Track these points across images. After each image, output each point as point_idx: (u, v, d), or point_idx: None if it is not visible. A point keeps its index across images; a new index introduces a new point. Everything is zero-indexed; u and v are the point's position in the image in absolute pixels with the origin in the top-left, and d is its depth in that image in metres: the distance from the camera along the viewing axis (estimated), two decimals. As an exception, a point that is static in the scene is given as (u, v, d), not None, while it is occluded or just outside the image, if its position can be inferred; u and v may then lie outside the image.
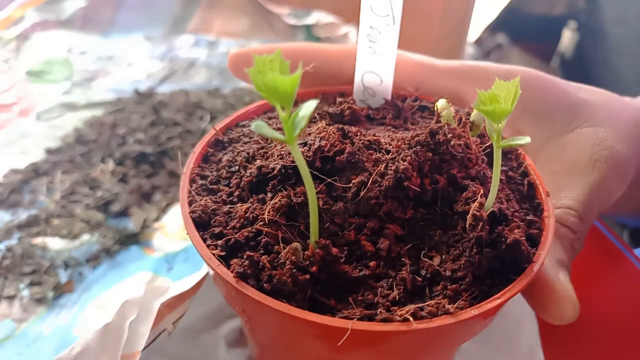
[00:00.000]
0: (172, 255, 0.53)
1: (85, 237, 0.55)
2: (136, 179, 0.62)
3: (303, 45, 0.49)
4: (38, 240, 0.55)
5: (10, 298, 0.49)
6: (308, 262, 0.30)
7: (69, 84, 0.79)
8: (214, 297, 0.49)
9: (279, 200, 0.33)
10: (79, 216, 0.57)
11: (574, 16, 1.00)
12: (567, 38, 1.02)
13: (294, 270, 0.30)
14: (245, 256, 0.31)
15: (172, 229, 0.56)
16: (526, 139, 0.30)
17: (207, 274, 0.46)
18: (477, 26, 1.01)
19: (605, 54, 0.87)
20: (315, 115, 0.41)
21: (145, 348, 0.41)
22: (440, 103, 0.37)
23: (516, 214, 0.35)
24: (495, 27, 1.05)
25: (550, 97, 0.46)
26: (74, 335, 0.46)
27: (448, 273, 0.31)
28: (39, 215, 0.57)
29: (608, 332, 0.52)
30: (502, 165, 0.39)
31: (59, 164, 0.64)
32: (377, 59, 0.43)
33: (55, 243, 0.55)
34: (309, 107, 0.28)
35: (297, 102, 0.42)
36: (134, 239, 0.56)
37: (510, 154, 0.41)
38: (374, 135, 0.37)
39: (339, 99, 0.44)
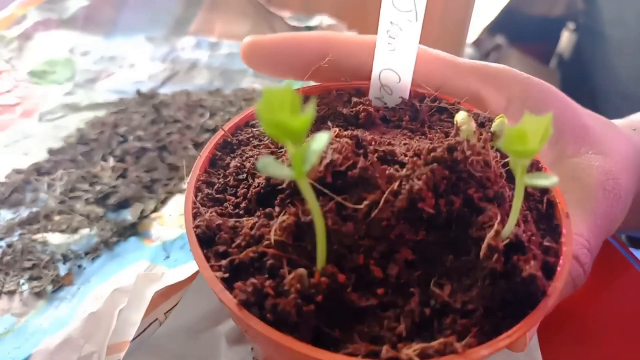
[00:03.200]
0: (169, 243, 0.53)
1: (85, 230, 0.55)
2: (135, 173, 0.62)
3: (324, 35, 0.46)
4: (38, 236, 0.55)
5: (11, 293, 0.50)
6: (313, 290, 0.29)
7: (71, 84, 0.79)
8: (214, 295, 0.49)
9: (286, 219, 0.31)
10: (78, 211, 0.57)
11: (572, 17, 1.00)
12: (566, 39, 1.02)
13: (299, 300, 0.29)
14: (248, 282, 0.29)
15: (170, 217, 0.56)
16: (553, 180, 0.29)
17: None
18: (476, 27, 1.01)
19: (603, 55, 0.87)
20: (328, 123, 0.39)
21: (135, 338, 0.40)
22: (460, 116, 0.36)
23: (533, 238, 0.33)
24: (494, 28, 1.05)
25: (564, 116, 0.46)
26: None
27: (458, 305, 0.30)
28: (39, 212, 0.58)
29: (606, 333, 0.51)
30: None
31: (61, 164, 0.64)
32: (396, 56, 0.41)
33: (55, 238, 0.55)
34: (320, 141, 0.26)
35: (310, 99, 0.41)
36: (132, 230, 0.56)
37: (530, 168, 0.38)
38: (388, 144, 0.36)
39: (354, 99, 0.42)
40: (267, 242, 0.31)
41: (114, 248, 0.54)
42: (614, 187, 0.43)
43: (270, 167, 0.26)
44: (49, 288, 0.50)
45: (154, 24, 0.90)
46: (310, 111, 0.25)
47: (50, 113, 0.74)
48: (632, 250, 0.58)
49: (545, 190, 0.37)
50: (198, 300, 0.48)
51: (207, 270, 0.31)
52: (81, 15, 0.88)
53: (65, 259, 0.53)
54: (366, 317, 0.30)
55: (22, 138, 0.69)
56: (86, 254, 0.53)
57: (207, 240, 0.33)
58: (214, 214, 0.34)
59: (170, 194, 0.60)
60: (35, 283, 0.50)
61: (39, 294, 0.50)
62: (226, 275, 0.31)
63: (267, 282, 0.29)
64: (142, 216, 0.57)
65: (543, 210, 0.36)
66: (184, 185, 0.36)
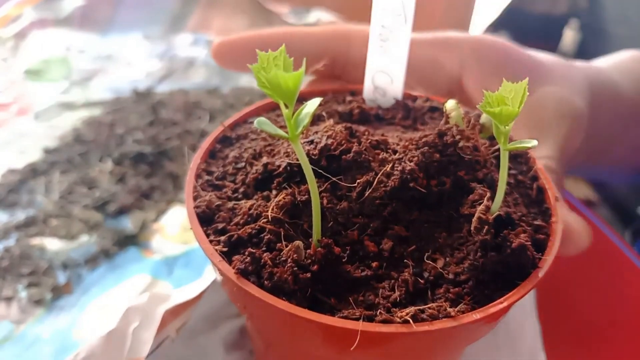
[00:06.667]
0: (172, 259, 0.53)
1: (84, 238, 0.55)
2: (135, 179, 0.61)
3: (287, 30, 0.51)
4: (36, 241, 0.54)
5: (8, 299, 0.49)
6: (310, 260, 0.30)
7: (67, 83, 0.78)
8: (212, 299, 0.49)
9: (283, 198, 0.33)
10: (77, 216, 0.57)
11: (575, 15, 1.00)
12: (569, 37, 1.02)
13: (295, 268, 0.30)
14: (247, 253, 0.31)
15: (172, 231, 0.56)
16: (533, 142, 0.30)
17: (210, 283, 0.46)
18: (479, 25, 1.01)
19: (607, 53, 0.86)
20: (324, 113, 0.41)
21: (148, 355, 0.41)
22: (449, 104, 0.37)
23: (523, 218, 0.34)
24: (497, 26, 1.04)
25: (515, 60, 0.51)
26: (73, 338, 0.45)
27: (451, 276, 0.31)
28: (37, 216, 0.57)
29: (610, 334, 0.51)
30: (511, 169, 0.38)
31: (57, 164, 0.64)
32: (388, 59, 0.42)
33: (53, 244, 0.54)
34: (312, 104, 0.28)
35: (307, 100, 0.43)
36: (132, 240, 0.55)
37: (520, 158, 0.40)
38: (381, 135, 0.37)
39: (348, 98, 0.44)
40: (264, 219, 0.32)
41: (114, 258, 0.53)
42: (570, 111, 0.49)
43: (265, 125, 0.28)
44: (48, 296, 0.49)
45: (151, 21, 0.90)
46: (302, 70, 0.26)
47: (46, 112, 0.73)
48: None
49: (535, 178, 0.39)
50: (199, 307, 0.47)
51: (207, 244, 0.32)
52: (77, 15, 0.88)
53: (65, 266, 0.52)
54: (361, 288, 0.31)
55: (17, 137, 0.69)
56: (85, 262, 0.53)
57: (206, 219, 0.34)
58: (213, 196, 0.35)
59: (170, 202, 0.60)
60: (33, 290, 0.50)
61: (37, 302, 0.49)
62: (225, 249, 0.32)
63: (265, 254, 0.31)
64: (143, 226, 0.57)
65: (533, 196, 0.38)
66: (184, 195, 0.37)
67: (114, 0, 0.90)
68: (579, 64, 0.58)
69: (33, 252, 0.53)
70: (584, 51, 0.96)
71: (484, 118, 0.37)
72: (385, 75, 0.43)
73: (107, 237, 0.55)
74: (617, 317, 0.53)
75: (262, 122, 0.28)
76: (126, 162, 0.64)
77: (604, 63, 0.65)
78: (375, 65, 0.43)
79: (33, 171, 0.63)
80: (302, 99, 0.43)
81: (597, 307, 0.53)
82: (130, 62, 0.84)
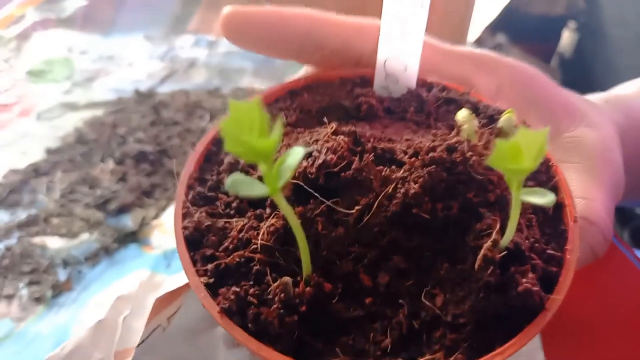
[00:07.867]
0: (170, 252, 0.53)
1: (85, 235, 0.55)
2: (136, 178, 0.62)
3: (311, 13, 0.44)
4: (37, 240, 0.55)
5: (9, 297, 0.49)
6: (297, 300, 0.28)
7: (69, 83, 0.79)
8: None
9: (275, 223, 0.30)
10: (78, 215, 0.57)
11: (573, 16, 1.00)
12: (567, 38, 1.02)
13: (282, 310, 0.28)
14: (231, 290, 0.29)
15: (171, 226, 0.56)
16: (550, 197, 0.27)
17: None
18: (477, 26, 1.01)
19: (604, 54, 0.87)
20: (325, 119, 0.38)
21: (139, 344, 0.41)
22: (461, 115, 0.34)
23: (536, 245, 0.31)
24: (495, 27, 1.05)
25: (552, 95, 0.47)
26: (72, 333, 0.46)
27: (449, 318, 0.28)
28: (38, 215, 0.57)
29: (610, 335, 0.51)
30: (529, 180, 0.35)
31: (59, 164, 0.64)
32: (401, 44, 0.39)
33: (54, 242, 0.55)
34: (295, 156, 0.24)
35: (313, 87, 0.40)
36: (132, 237, 0.56)
37: (540, 166, 0.34)
38: (388, 140, 0.34)
39: (356, 91, 0.40)
40: (254, 247, 0.30)
41: (114, 255, 0.54)
42: (612, 156, 0.44)
43: (240, 186, 0.24)
44: (49, 293, 0.50)
45: (153, 22, 0.90)
46: (277, 133, 0.23)
47: (48, 112, 0.74)
48: (635, 251, 0.58)
49: (553, 191, 0.33)
50: (196, 302, 0.47)
51: (193, 276, 0.30)
52: (79, 15, 0.88)
53: (65, 264, 0.53)
54: (352, 329, 0.29)
55: (19, 137, 0.69)
56: (86, 259, 0.53)
57: (195, 242, 0.32)
58: (203, 214, 0.33)
59: (170, 199, 0.60)
60: (34, 288, 0.50)
61: (38, 299, 0.50)
62: (211, 280, 0.30)
63: (251, 290, 0.29)
64: (143, 223, 0.57)
65: (550, 213, 0.34)
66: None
67: (116, 2, 0.90)
68: (607, 102, 0.54)
69: (34, 250, 0.53)
70: (582, 52, 0.96)
71: (502, 121, 0.34)
72: (398, 62, 0.40)
73: (108, 235, 0.55)
74: (617, 317, 0.53)
75: (235, 184, 0.25)
76: (127, 161, 0.64)
77: (630, 89, 0.60)
78: (388, 51, 0.39)
79: (35, 171, 0.63)
80: (309, 86, 0.41)
81: (596, 307, 0.53)
82: (132, 62, 0.84)
